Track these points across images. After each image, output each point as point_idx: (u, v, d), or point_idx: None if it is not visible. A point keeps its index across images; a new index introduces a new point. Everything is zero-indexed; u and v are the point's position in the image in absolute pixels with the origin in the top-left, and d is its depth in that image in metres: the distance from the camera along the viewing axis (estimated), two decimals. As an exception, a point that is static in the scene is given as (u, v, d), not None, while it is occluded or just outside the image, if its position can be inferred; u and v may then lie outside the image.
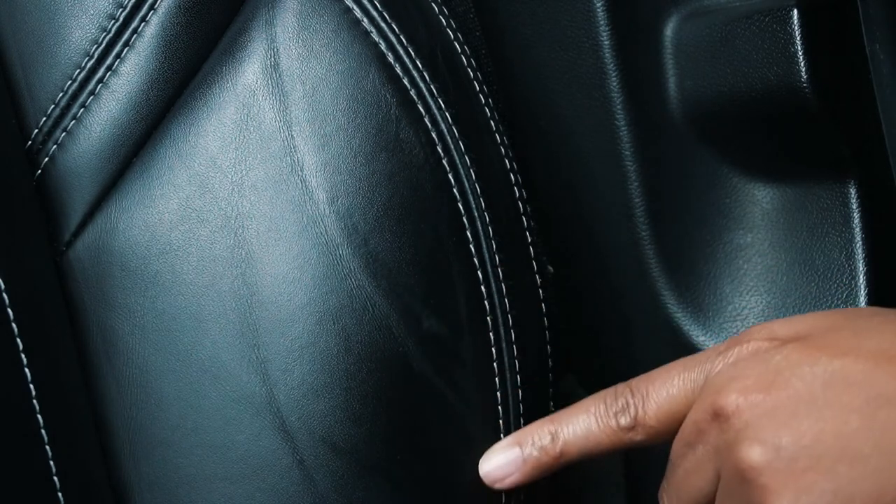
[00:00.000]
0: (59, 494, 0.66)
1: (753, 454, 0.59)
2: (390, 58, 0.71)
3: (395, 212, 0.70)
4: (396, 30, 0.71)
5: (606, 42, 0.70)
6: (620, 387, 0.66)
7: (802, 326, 0.62)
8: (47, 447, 0.66)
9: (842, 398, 0.58)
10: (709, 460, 0.61)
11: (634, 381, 0.66)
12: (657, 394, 0.64)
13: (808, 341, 0.60)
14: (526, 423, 0.71)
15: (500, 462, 0.69)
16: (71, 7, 0.71)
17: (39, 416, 0.66)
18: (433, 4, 0.74)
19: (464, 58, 0.74)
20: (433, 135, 0.71)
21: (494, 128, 0.74)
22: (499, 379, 0.71)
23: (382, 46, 0.71)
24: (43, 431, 0.66)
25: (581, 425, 0.67)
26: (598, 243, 0.74)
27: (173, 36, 0.71)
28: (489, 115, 0.74)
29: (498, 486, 0.69)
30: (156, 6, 0.71)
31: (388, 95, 0.70)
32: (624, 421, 0.65)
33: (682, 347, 0.71)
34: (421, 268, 0.70)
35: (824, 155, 0.68)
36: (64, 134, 0.71)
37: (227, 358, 0.68)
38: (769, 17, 0.66)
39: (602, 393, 0.67)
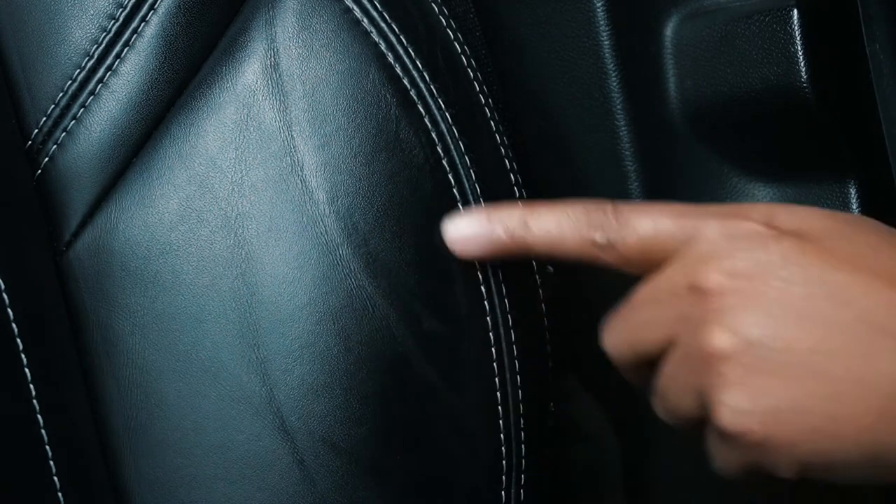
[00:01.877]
0: (59, 494, 0.66)
1: (722, 340, 0.57)
2: (390, 58, 0.71)
3: (395, 212, 0.70)
4: (396, 30, 0.71)
5: (606, 42, 0.70)
6: (608, 204, 0.63)
7: (805, 222, 0.59)
8: (47, 447, 0.66)
9: (829, 313, 0.56)
10: (670, 322, 0.60)
11: (623, 205, 0.63)
12: (641, 226, 0.62)
13: (807, 240, 0.58)
14: (526, 425, 0.71)
15: (464, 230, 0.67)
16: (71, 7, 0.71)
17: (39, 417, 0.66)
18: (433, 4, 0.74)
19: (464, 58, 0.74)
20: (433, 135, 0.71)
21: (494, 128, 0.74)
22: (499, 379, 0.71)
23: (382, 46, 0.71)
24: (43, 431, 0.66)
25: (553, 223, 0.64)
26: (598, 243, 0.74)
27: (173, 36, 0.71)
28: (489, 115, 0.74)
29: (455, 248, 0.67)
30: (156, 6, 0.71)
31: (388, 95, 0.70)
32: (598, 236, 0.63)
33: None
34: (421, 268, 0.70)
35: (824, 155, 0.68)
36: (64, 134, 0.71)
37: (227, 358, 0.68)
38: (769, 17, 0.66)
39: (588, 202, 0.64)
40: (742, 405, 0.57)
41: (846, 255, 0.57)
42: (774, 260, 0.58)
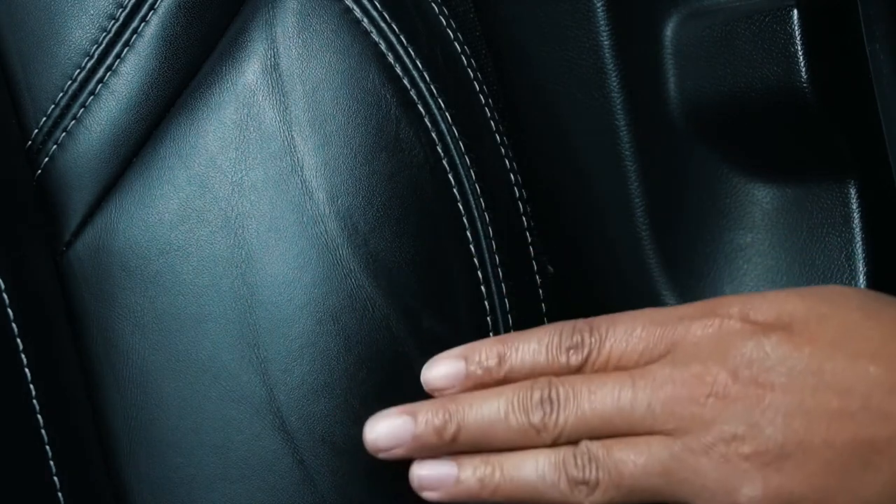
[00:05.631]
0: (59, 494, 0.66)
1: (740, 439, 0.57)
2: (390, 58, 0.71)
3: (395, 212, 0.70)
4: (396, 30, 0.71)
5: (606, 42, 0.70)
6: (580, 323, 0.62)
7: (783, 310, 0.59)
8: (47, 447, 0.66)
9: (835, 406, 0.57)
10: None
11: (597, 320, 0.62)
12: (616, 340, 0.61)
13: (792, 330, 0.59)
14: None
15: (443, 373, 0.65)
16: (71, 7, 0.71)
17: (39, 416, 0.66)
18: (433, 4, 0.74)
19: (464, 58, 0.74)
20: (433, 135, 0.71)
21: (494, 128, 0.74)
22: (499, 379, 0.71)
23: (382, 46, 0.71)
24: (43, 431, 0.66)
25: (529, 354, 0.63)
26: (598, 243, 0.74)
27: (173, 36, 0.71)
28: (489, 115, 0.74)
29: (436, 394, 0.65)
30: (156, 6, 0.71)
31: (388, 95, 0.70)
32: (574, 360, 0.62)
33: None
34: (421, 268, 0.70)
35: (824, 155, 0.68)
36: (64, 134, 0.71)
37: (227, 358, 0.68)
38: (769, 17, 0.66)
39: (560, 325, 0.63)
40: (758, 493, 0.57)
41: (833, 339, 0.58)
42: (769, 357, 0.58)
